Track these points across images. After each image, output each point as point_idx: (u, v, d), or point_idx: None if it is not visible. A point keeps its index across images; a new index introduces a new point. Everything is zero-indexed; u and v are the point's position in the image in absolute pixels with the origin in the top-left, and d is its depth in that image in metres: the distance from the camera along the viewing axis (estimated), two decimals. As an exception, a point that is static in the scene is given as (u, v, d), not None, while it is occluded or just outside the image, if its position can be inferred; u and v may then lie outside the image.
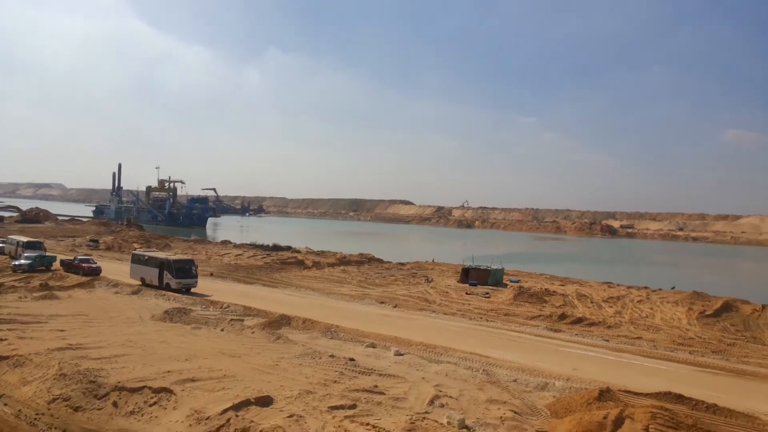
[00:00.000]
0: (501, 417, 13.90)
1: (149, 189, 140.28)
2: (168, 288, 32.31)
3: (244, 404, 13.52)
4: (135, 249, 46.38)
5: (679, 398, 15.09)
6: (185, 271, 33.11)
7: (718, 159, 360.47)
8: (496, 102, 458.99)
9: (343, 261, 53.47)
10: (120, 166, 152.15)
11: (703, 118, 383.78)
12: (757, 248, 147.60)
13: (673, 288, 44.76)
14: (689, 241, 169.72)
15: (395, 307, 31.40)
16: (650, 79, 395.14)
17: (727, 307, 34.81)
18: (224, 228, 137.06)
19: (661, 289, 44.03)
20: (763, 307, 36.33)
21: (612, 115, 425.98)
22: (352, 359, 18.57)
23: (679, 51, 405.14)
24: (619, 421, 12.92)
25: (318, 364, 17.89)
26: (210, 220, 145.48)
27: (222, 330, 22.81)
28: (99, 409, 13.79)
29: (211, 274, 41.10)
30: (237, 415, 12.88)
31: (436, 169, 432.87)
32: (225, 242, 71.47)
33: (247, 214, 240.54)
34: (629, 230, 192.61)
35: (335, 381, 16.07)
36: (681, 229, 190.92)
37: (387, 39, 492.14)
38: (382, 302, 32.57)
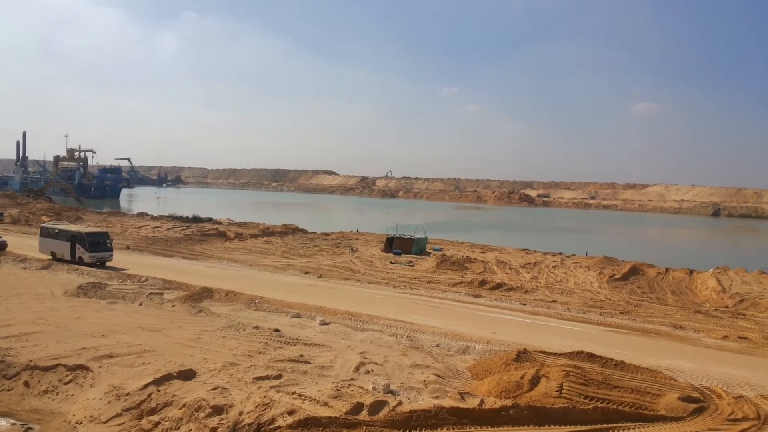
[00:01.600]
0: (424, 381, 14.28)
1: (57, 159, 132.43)
2: (81, 262, 30.91)
3: (166, 378, 13.24)
4: (44, 222, 43.91)
5: (591, 357, 15.97)
6: (99, 244, 31.75)
7: (628, 131, 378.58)
8: (419, 72, 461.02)
9: (267, 232, 52.74)
10: (24, 134, 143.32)
11: (614, 91, 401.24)
12: (661, 215, 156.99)
13: (586, 254, 46.98)
14: (601, 209, 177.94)
15: (320, 277, 31.40)
16: (568, 53, 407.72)
17: (634, 271, 37.01)
18: (140, 200, 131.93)
19: (574, 255, 46.15)
20: (667, 270, 38.85)
21: (531, 87, 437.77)
22: (277, 330, 18.49)
23: (595, 26, 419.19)
24: (535, 380, 13.58)
25: (242, 336, 17.71)
26: (124, 192, 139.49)
27: (140, 304, 22.12)
28: (9, 390, 13.16)
29: (128, 248, 39.62)
30: (158, 390, 12.61)
31: (360, 139, 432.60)
32: (141, 214, 68.84)
33: (165, 185, 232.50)
34: (545, 199, 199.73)
35: (260, 352, 15.98)
36: (593, 198, 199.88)
37: (308, 3, 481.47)
38: (306, 273, 32.47)
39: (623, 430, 11.93)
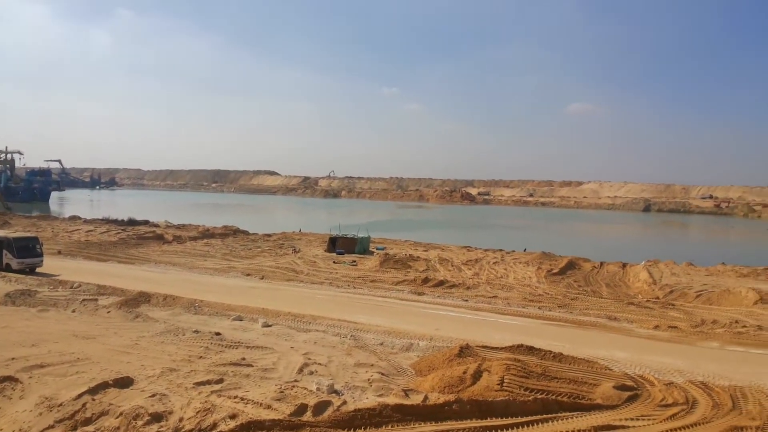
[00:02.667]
0: (369, 379, 14.29)
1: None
2: (9, 269, 29.44)
3: (102, 387, 12.75)
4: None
5: (530, 350, 16.35)
6: (28, 249, 30.34)
7: (563, 130, 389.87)
8: (359, 72, 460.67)
9: (206, 234, 51.68)
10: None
11: (550, 92, 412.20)
12: (596, 211, 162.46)
13: (525, 250, 48.11)
14: (538, 206, 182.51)
15: (262, 278, 30.99)
16: (506, 54, 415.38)
17: (571, 266, 38.18)
18: (72, 202, 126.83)
19: (514, 251, 47.20)
20: (601, 264, 40.27)
21: (471, 87, 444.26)
22: (218, 333, 18.12)
23: (532, 28, 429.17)
24: (477, 375, 13.79)
25: (182, 341, 17.26)
26: (54, 195, 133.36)
27: (73, 311, 21.25)
28: (-72, 406, 12.37)
29: (59, 253, 38.05)
30: (93, 399, 12.13)
31: (301, 139, 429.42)
32: (74, 218, 66.23)
33: (98, 187, 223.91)
34: (486, 197, 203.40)
35: (200, 356, 15.61)
36: (531, 195, 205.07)
37: (246, 2, 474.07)
38: (248, 274, 31.99)
39: (562, 419, 12.26)
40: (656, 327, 22.45)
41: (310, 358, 15.84)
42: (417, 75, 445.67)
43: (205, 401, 12.16)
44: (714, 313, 25.49)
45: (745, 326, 22.66)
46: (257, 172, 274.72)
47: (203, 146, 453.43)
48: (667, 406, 13.30)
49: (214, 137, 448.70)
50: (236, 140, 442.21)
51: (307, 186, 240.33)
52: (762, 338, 20.94)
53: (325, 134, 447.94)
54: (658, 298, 29.20)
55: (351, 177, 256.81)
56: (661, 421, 12.44)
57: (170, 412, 11.74)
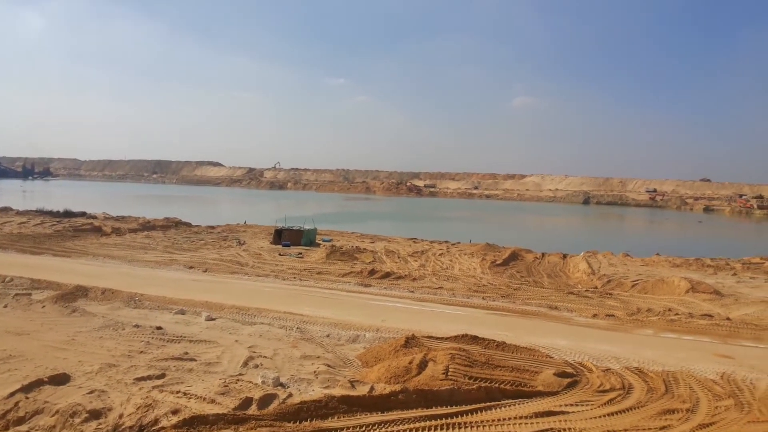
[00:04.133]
0: (315, 371, 14.24)
1: None
2: (-67, 263, 27.95)
3: (36, 384, 12.28)
4: None
5: (474, 339, 16.63)
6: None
7: (508, 123, 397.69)
8: (305, 62, 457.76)
9: (147, 226, 50.23)
10: None
11: (496, 85, 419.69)
12: (538, 203, 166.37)
13: (470, 241, 48.84)
14: (483, 198, 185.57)
15: (205, 271, 30.38)
16: (453, 46, 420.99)
17: (514, 257, 38.99)
18: (3, 193, 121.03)
19: (459, 243, 47.84)
20: (543, 254, 41.29)
21: (418, 79, 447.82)
22: (159, 327, 17.69)
23: (479, 21, 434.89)
24: (423, 365, 13.95)
25: (121, 336, 16.77)
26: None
27: (5, 306, 20.32)
28: None
29: (-11, 246, 36.29)
30: (27, 397, 11.67)
31: (246, 130, 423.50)
32: (5, 209, 63.17)
33: (31, 177, 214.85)
34: (432, 189, 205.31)
35: (141, 351, 15.22)
36: (476, 188, 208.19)
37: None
38: (191, 267, 31.30)
39: (505, 407, 12.53)
40: (595, 315, 23.19)
41: (255, 352, 15.67)
42: (364, 66, 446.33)
43: (146, 397, 11.88)
44: (649, 302, 26.53)
45: (677, 314, 23.68)
46: (200, 163, 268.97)
47: (144, 136, 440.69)
48: (604, 391, 13.78)
49: (155, 126, 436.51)
50: (179, 130, 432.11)
51: (252, 177, 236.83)
52: (693, 325, 21.93)
53: (271, 125, 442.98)
54: (596, 287, 30.16)
55: (297, 169, 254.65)
56: (598, 406, 12.89)
57: (109, 409, 11.42)
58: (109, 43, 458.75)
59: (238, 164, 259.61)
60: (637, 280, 31.61)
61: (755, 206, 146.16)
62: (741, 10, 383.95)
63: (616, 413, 12.58)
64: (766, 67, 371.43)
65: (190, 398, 11.99)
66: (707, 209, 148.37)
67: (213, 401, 11.91)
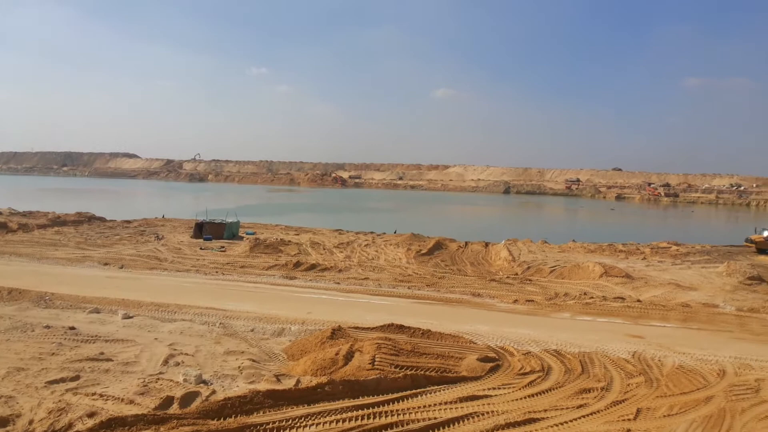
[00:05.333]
0: (239, 367, 13.96)
1: None
2: None
3: (-67, 394, 11.41)
4: None
5: (400, 328, 16.77)
6: None
7: (431, 114, 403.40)
8: (225, 50, 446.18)
9: (57, 221, 47.63)
10: None
11: (419, 77, 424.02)
12: (461, 193, 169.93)
13: (395, 231, 49.26)
14: (408, 189, 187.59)
15: (122, 267, 29.17)
16: (377, 37, 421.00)
17: (438, 246, 39.63)
18: None
19: (384, 233, 48.16)
20: (466, 243, 42.19)
21: (342, 70, 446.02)
22: (72, 328, 16.82)
23: (404, 12, 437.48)
24: (349, 355, 13.95)
25: (30, 338, 15.83)
26: None
27: None
28: None
29: None
30: None
31: (164, 121, 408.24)
32: None
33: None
34: (357, 180, 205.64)
35: (53, 353, 14.42)
36: (401, 178, 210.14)
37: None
38: (106, 264, 29.96)
39: (430, 393, 12.73)
40: (515, 301, 23.92)
41: (175, 349, 15.18)
42: (287, 56, 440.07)
43: (59, 401, 11.29)
44: (566, 287, 27.65)
45: (592, 297, 24.80)
46: (114, 155, 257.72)
47: (53, 126, 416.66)
48: (525, 374, 14.25)
49: (65, 116, 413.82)
50: (90, 120, 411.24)
51: (170, 169, 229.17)
52: (606, 308, 23.04)
53: (190, 115, 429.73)
54: (516, 274, 31.13)
55: (218, 160, 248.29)
56: (520, 389, 13.31)
57: (18, 415, 10.76)
58: (9, 26, 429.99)
59: (155, 156, 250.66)
60: (555, 266, 32.89)
61: (662, 194, 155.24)
62: (651, 7, 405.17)
63: (537, 394, 13.05)
64: (674, 62, 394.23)
65: (107, 400, 11.49)
66: (619, 197, 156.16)
67: (132, 402, 11.46)
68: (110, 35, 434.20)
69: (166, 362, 14.13)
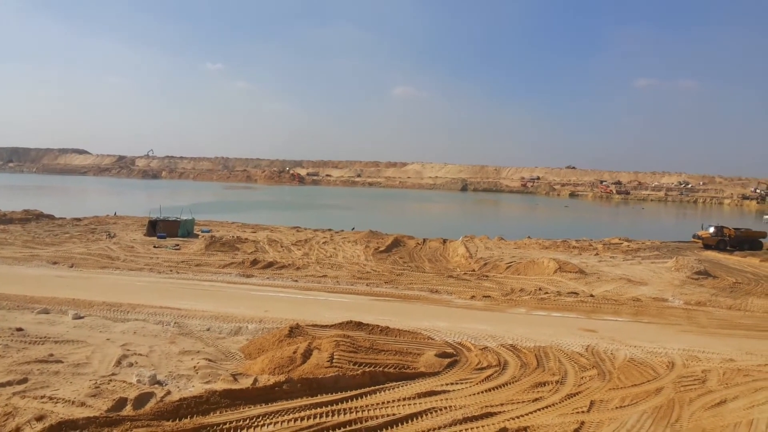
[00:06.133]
0: (195, 366, 13.73)
1: None
2: None
3: None
4: None
5: (359, 325, 16.79)
6: None
7: (389, 112, 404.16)
8: (180, 45, 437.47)
9: (3, 219, 45.94)
10: None
11: (378, 75, 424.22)
12: (419, 191, 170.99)
13: (353, 229, 49.21)
14: (366, 186, 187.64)
15: (72, 266, 28.32)
16: (337, 34, 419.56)
17: (396, 243, 39.77)
18: None
19: (343, 231, 48.06)
20: (424, 240, 42.44)
21: (300, 67, 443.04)
22: (19, 329, 16.24)
23: (362, 10, 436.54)
24: (308, 353, 13.87)
25: (-26, 340, 15.23)
26: None
27: None
28: None
29: None
30: None
31: (116, 116, 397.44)
32: None
33: None
34: (315, 177, 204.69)
35: (-1, 356, 13.92)
36: (359, 176, 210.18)
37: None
38: (55, 263, 29.04)
39: (388, 389, 12.77)
40: (472, 297, 24.20)
41: (129, 350, 14.83)
42: (244, 52, 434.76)
43: (6, 404, 10.89)
44: (521, 282, 28.11)
45: (547, 293, 25.29)
46: (64, 151, 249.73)
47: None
48: (482, 369, 14.43)
49: (12, 111, 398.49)
50: (38, 115, 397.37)
51: (122, 166, 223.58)
52: (561, 303, 23.54)
53: (143, 111, 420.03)
54: (474, 270, 31.49)
55: (172, 157, 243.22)
56: (477, 383, 13.48)
57: (-39, 421, 10.34)
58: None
59: (106, 152, 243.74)
60: (511, 262, 33.39)
61: (614, 191, 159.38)
62: (605, 8, 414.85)
63: (493, 389, 13.23)
64: (626, 63, 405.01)
65: (56, 403, 11.14)
66: (572, 194, 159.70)
67: (83, 404, 11.14)
68: (59, 29, 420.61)
69: (119, 363, 13.78)
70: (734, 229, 44.80)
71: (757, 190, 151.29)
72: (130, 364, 13.74)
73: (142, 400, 11.45)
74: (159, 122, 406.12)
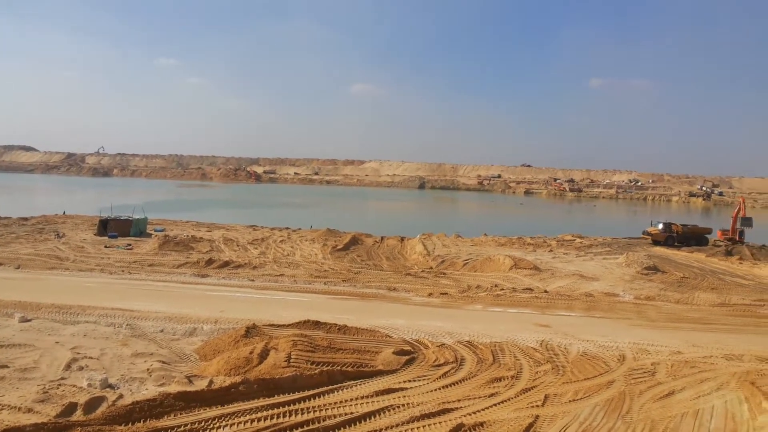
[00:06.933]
0: (148, 369, 13.44)
1: None
2: None
3: None
4: None
5: (317, 324, 16.72)
6: None
7: (347, 110, 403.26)
8: (129, 39, 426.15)
9: (-56, 219, 44.08)
10: None
11: (336, 72, 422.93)
12: (377, 189, 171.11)
13: (311, 227, 48.95)
14: (324, 184, 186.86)
15: (18, 268, 27.33)
16: (292, 31, 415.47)
17: (354, 241, 39.74)
18: None
19: (300, 229, 47.75)
20: (382, 238, 42.53)
21: (256, 63, 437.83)
22: (-39, 334, 15.62)
23: (320, 6, 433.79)
24: (264, 353, 13.74)
25: None
26: None
27: None
28: None
29: None
30: None
31: (65, 112, 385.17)
32: None
33: None
34: (272, 175, 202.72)
35: (-62, 362, 13.34)
36: (317, 174, 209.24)
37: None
38: (0, 264, 28.00)
39: (346, 388, 12.76)
40: (430, 294, 24.37)
41: (79, 353, 14.41)
42: (197, 47, 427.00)
43: (-54, 413, 10.45)
44: (478, 279, 28.46)
45: (503, 289, 25.67)
46: (8, 148, 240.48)
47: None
48: (439, 365, 14.56)
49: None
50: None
51: (71, 163, 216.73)
52: (516, 299, 23.93)
53: (93, 107, 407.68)
54: (431, 268, 31.72)
55: (124, 154, 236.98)
56: (435, 380, 13.59)
57: None
58: None
59: (54, 149, 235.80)
60: (468, 260, 33.77)
61: (567, 189, 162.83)
62: (558, 9, 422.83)
63: (451, 385, 13.37)
64: (579, 63, 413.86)
65: (2, 409, 10.75)
66: (528, 192, 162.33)
67: (30, 410, 10.79)
68: (9, 21, 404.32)
69: (68, 367, 13.38)
70: (682, 225, 46.32)
71: (704, 188, 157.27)
72: (81, 368, 13.36)
73: (93, 404, 11.16)
74: (110, 118, 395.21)
